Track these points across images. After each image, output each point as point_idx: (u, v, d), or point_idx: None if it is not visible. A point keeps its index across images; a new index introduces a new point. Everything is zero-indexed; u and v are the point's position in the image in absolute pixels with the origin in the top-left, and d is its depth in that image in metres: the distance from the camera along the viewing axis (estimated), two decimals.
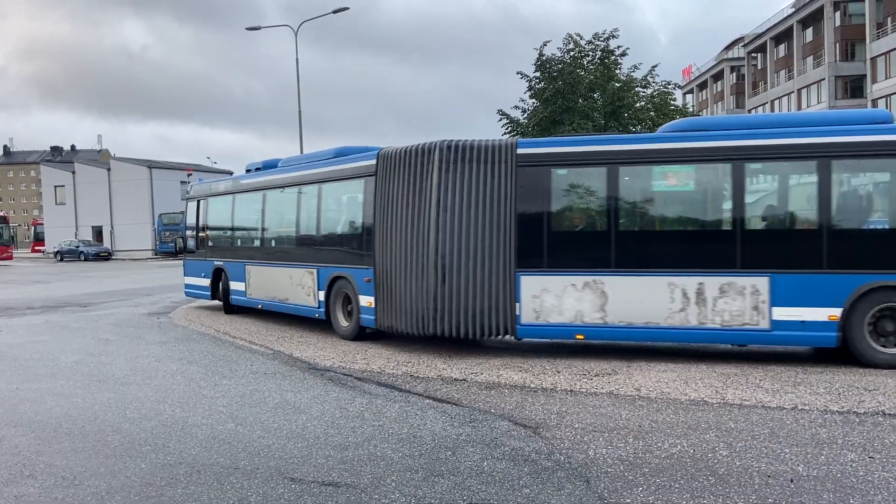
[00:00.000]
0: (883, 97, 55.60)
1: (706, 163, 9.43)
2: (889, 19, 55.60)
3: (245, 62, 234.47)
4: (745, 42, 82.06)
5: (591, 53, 23.74)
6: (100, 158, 65.30)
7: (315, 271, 12.51)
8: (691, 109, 61.03)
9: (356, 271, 11.40)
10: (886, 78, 55.15)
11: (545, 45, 22.76)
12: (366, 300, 11.16)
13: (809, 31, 68.04)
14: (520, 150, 9.90)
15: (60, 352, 11.30)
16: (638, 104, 24.78)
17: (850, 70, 63.12)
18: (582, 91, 22.67)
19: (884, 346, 8.66)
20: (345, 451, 5.95)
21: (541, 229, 9.85)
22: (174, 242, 47.03)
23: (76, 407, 7.71)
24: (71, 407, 7.72)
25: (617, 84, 23.63)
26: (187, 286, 17.52)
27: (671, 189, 10.16)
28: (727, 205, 9.33)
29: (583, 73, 23.19)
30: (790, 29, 69.91)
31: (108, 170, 54.55)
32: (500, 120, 23.98)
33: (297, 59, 29.56)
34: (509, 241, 9.82)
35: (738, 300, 8.97)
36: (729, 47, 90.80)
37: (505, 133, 23.93)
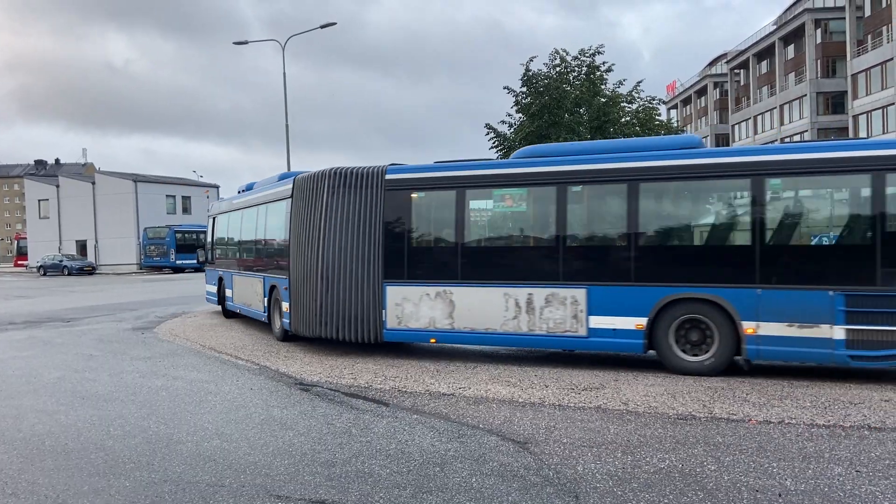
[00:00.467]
0: (864, 113, 56.39)
1: (536, 186, 10.56)
2: (869, 37, 56.45)
3: (230, 76, 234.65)
4: (728, 58, 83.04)
5: (576, 69, 23.93)
6: (84, 172, 64.87)
7: (262, 280, 14.39)
8: (675, 125, 61.81)
9: (281, 280, 12.86)
10: (867, 94, 55.92)
11: (531, 60, 22.95)
12: (286, 306, 12.66)
13: (791, 48, 68.97)
14: (388, 176, 11.28)
15: (43, 368, 11.16)
16: (623, 119, 25.00)
17: (831, 86, 64.02)
18: (568, 106, 22.82)
19: (694, 355, 9.38)
20: (332, 467, 5.90)
21: (402, 245, 11.24)
22: (160, 256, 47.06)
23: (59, 424, 7.60)
24: (54, 424, 7.61)
25: (602, 99, 23.81)
26: (206, 292, 19.96)
27: (507, 210, 11.34)
28: (552, 223, 10.36)
29: (569, 88, 23.36)
30: (772, 46, 70.84)
31: (93, 183, 54.15)
32: (487, 134, 24.15)
33: (284, 74, 29.58)
34: (378, 255, 11.21)
35: (560, 309, 10.01)
36: (712, 63, 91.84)
37: (492, 147, 24.04)
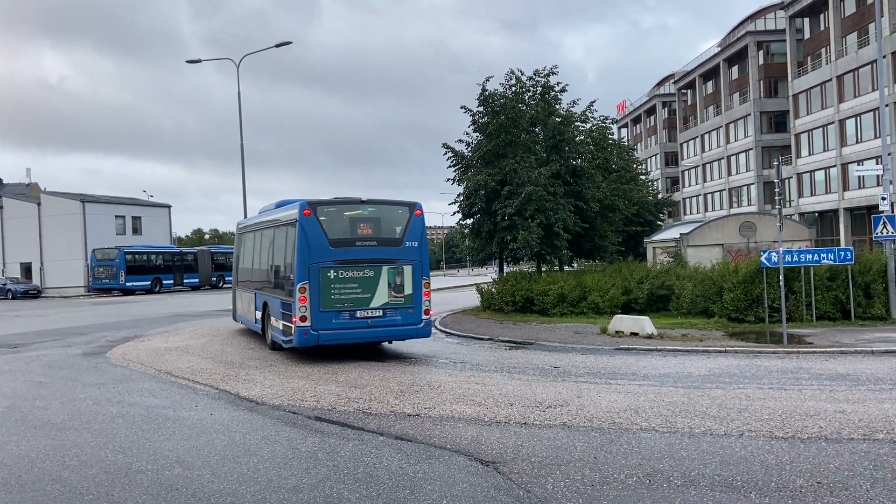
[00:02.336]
0: (805, 132, 58.32)
1: (247, 232, 19.35)
2: (809, 58, 58.56)
3: (172, 94, 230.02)
4: (676, 79, 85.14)
5: (531, 89, 24.23)
6: (29, 192, 62.79)
7: (254, 296, 17.00)
8: (626, 143, 62.97)
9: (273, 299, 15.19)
10: (808, 114, 57.87)
11: (488, 80, 23.17)
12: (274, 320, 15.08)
13: (735, 69, 71.11)
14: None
15: None
16: (578, 138, 25.40)
17: (773, 106, 66.14)
18: (524, 125, 23.08)
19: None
20: (299, 493, 5.80)
21: (238, 265, 19.96)
22: (108, 278, 45.82)
23: (11, 455, 7.32)
24: (5, 455, 7.32)
25: (557, 119, 24.15)
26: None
27: (249, 244, 18.77)
28: (257, 255, 17.65)
29: (524, 107, 23.64)
30: (717, 67, 72.93)
31: (38, 204, 52.52)
32: (446, 153, 24.23)
33: (238, 93, 29.15)
34: (235, 271, 20.75)
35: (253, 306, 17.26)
36: (660, 83, 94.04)
37: (450, 166, 24.17)
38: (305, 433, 7.87)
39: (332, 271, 13.05)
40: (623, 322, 15.86)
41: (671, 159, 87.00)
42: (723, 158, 72.17)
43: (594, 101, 27.90)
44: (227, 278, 55.18)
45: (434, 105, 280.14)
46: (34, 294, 47.19)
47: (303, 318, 12.82)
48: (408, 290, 13.55)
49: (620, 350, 13.74)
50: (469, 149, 24.07)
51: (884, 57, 46.65)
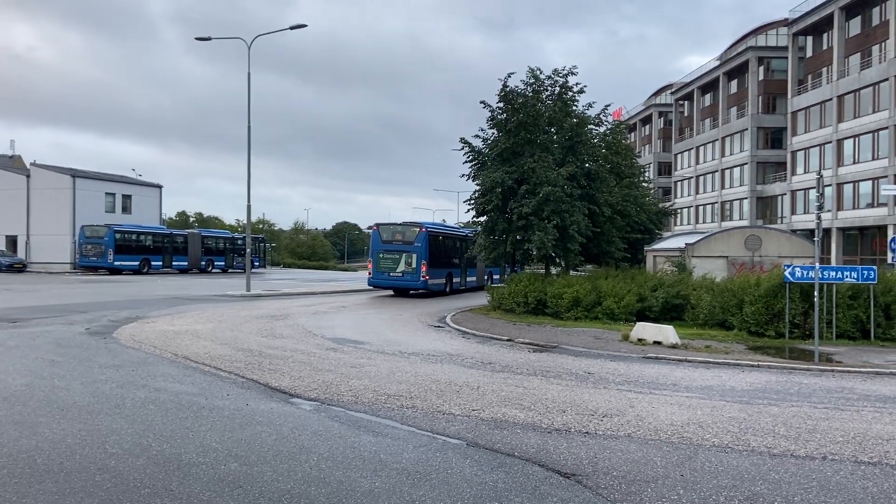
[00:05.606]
0: (801, 150, 58.57)
1: None
2: (809, 77, 58.81)
3: (146, 74, 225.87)
4: (674, 89, 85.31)
5: (549, 88, 23.87)
6: (13, 164, 61.43)
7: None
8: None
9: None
10: (806, 132, 58.12)
11: (509, 76, 22.79)
12: None
13: (734, 83, 71.30)
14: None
15: (5, 373, 10.20)
16: (593, 141, 25.10)
17: (771, 122, 66.41)
18: (542, 125, 22.74)
19: None
20: (377, 498, 5.38)
21: None
22: (96, 256, 44.88)
23: (45, 439, 6.83)
24: (39, 439, 6.83)
25: (574, 120, 23.82)
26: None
27: None
28: None
29: (541, 107, 23.29)
30: (716, 80, 73.09)
31: (28, 176, 51.36)
32: (462, 148, 23.81)
33: (248, 74, 28.52)
34: None
35: None
36: (657, 93, 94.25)
37: (466, 161, 23.80)
38: (357, 431, 7.44)
39: (382, 253, 30.16)
40: (646, 330, 15.56)
41: (664, 169, 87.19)
42: (717, 171, 72.37)
43: (608, 105, 27.66)
44: (216, 263, 54.41)
45: (412, 101, 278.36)
46: (19, 268, 46.12)
47: (369, 273, 30.75)
48: (414, 265, 29.46)
49: (649, 359, 13.42)
50: (485, 145, 23.68)
51: (885, 79, 46.89)
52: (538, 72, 23.65)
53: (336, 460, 6.35)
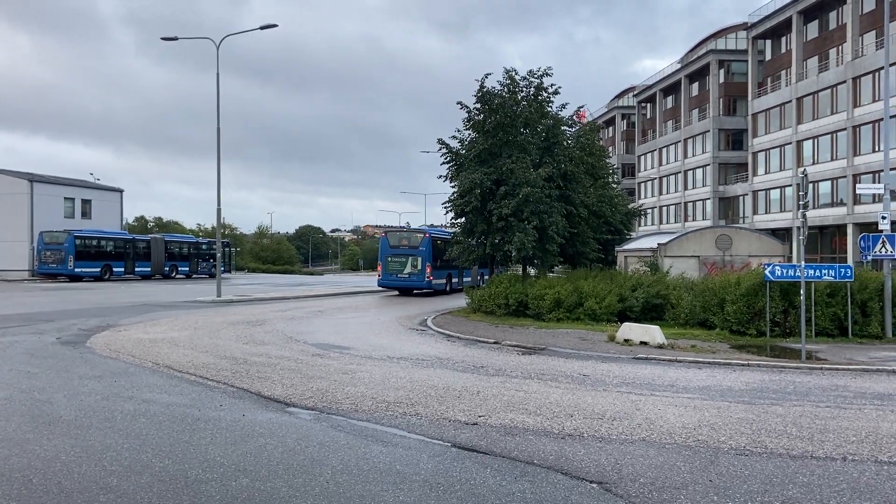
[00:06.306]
0: (762, 151, 59.70)
1: None
2: (769, 79, 59.98)
3: (98, 76, 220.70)
4: (636, 92, 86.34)
5: (524, 89, 23.80)
6: None
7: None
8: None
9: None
10: (766, 133, 59.25)
11: (486, 77, 22.66)
12: None
13: (696, 86, 72.40)
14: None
15: None
16: (566, 142, 25.11)
17: (732, 124, 67.54)
18: (519, 125, 22.65)
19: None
20: None
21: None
22: (56, 263, 43.51)
23: (37, 457, 6.41)
24: (31, 456, 6.42)
25: (550, 121, 23.79)
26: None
27: None
28: None
29: (517, 108, 23.21)
30: (678, 82, 74.11)
31: None
32: (440, 149, 23.60)
33: (217, 75, 27.85)
34: None
35: None
36: (620, 95, 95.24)
37: (444, 162, 23.58)
38: (365, 441, 7.16)
39: (390, 258, 33.48)
40: (633, 330, 15.52)
41: (628, 171, 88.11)
42: (680, 172, 73.38)
43: (582, 106, 27.78)
44: (180, 268, 53.30)
45: (372, 102, 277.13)
46: None
47: (379, 275, 33.75)
48: (420, 267, 32.96)
49: (639, 360, 13.36)
50: (462, 146, 23.50)
51: (843, 82, 48.00)
52: (513, 72, 23.58)
53: (352, 473, 6.07)
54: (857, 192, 21.86)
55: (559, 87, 24.17)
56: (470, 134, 23.27)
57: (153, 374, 11.03)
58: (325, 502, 5.34)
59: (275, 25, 26.00)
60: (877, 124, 46.26)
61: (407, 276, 32.97)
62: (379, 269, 34.40)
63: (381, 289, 35.90)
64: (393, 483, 5.80)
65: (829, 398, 9.75)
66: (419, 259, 32.77)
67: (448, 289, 34.90)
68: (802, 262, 14.37)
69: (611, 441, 7.24)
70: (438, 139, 23.35)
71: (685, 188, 72.55)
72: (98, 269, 45.64)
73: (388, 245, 34.17)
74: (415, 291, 34.51)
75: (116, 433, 7.32)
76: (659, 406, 8.99)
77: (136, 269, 49.14)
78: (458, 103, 22.86)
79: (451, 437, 7.34)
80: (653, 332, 15.21)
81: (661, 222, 76.65)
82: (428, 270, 32.64)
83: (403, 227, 34.63)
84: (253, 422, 7.94)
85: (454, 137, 23.79)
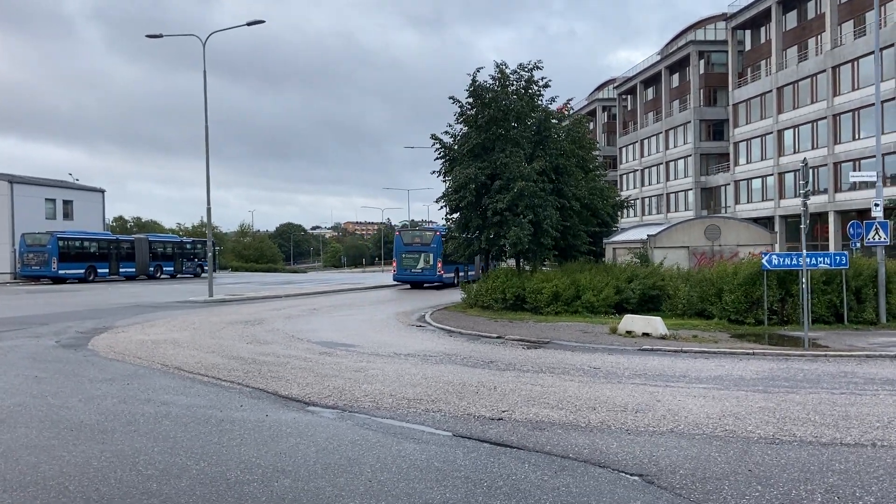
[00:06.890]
0: (743, 141, 60.24)
1: None
2: (749, 70, 60.49)
3: (68, 75, 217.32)
4: (617, 84, 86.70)
5: (515, 83, 23.82)
6: None
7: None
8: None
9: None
10: (747, 123, 59.78)
11: (478, 71, 22.66)
12: None
13: (676, 77, 72.83)
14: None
15: None
16: (556, 135, 25.17)
17: (713, 115, 68.06)
18: (511, 119, 22.68)
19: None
20: None
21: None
22: (39, 265, 42.89)
23: (68, 463, 6.33)
24: (61, 463, 6.33)
25: (541, 115, 23.83)
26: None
27: None
28: None
29: (508, 102, 23.22)
30: (658, 74, 74.54)
31: None
32: (433, 144, 23.55)
33: (204, 72, 27.60)
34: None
35: None
36: (600, 87, 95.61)
37: (437, 158, 23.53)
38: (395, 439, 7.15)
39: (404, 254, 36.56)
40: (635, 322, 15.62)
41: (609, 163, 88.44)
42: (661, 164, 73.86)
43: (571, 100, 27.84)
44: (165, 268, 52.78)
45: (346, 99, 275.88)
46: None
47: (394, 270, 37.55)
48: (432, 262, 35.98)
49: (645, 351, 13.45)
50: (455, 141, 23.48)
51: (823, 71, 48.54)
52: (504, 66, 23.59)
53: (391, 471, 6.05)
54: (851, 179, 22.14)
55: (549, 81, 24.24)
56: (462, 128, 23.25)
57: (164, 375, 10.92)
58: (371, 501, 5.32)
59: (262, 21, 25.80)
60: (856, 112, 46.89)
61: (420, 270, 36.21)
62: (394, 265, 37.95)
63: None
64: (435, 480, 5.79)
65: (841, 385, 9.89)
66: (431, 255, 35.89)
67: (456, 282, 36.95)
68: (804, 251, 14.52)
69: (640, 433, 7.29)
70: (432, 135, 23.36)
71: (667, 179, 73.04)
72: (82, 271, 45.06)
73: (402, 243, 37.19)
74: (425, 285, 37.07)
75: (143, 436, 7.24)
76: (678, 397, 9.06)
77: (121, 270, 48.59)
78: (451, 98, 22.84)
79: (479, 433, 7.34)
80: (655, 324, 15.32)
81: (643, 214, 77.13)
82: (439, 265, 35.88)
83: (416, 226, 35.66)
84: (278, 422, 7.89)
85: (446, 132, 23.79)
